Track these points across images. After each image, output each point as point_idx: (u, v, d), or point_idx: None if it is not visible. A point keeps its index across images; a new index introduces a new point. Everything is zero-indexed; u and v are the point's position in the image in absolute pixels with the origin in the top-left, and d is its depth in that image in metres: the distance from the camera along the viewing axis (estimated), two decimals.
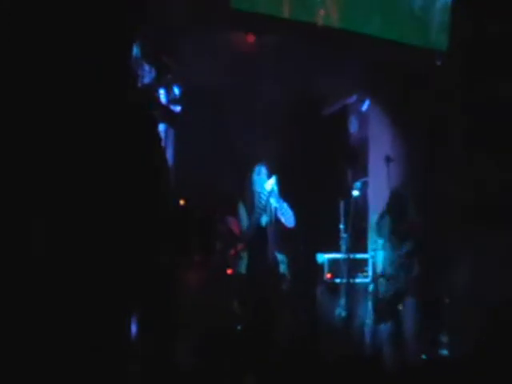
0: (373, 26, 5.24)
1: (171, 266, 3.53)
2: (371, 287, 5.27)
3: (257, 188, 5.12)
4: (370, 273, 5.64)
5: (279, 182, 5.04)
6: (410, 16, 5.40)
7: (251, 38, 5.36)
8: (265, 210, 5.04)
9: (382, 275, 5.10)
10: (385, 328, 5.03)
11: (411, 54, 5.56)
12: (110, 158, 2.77)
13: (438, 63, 5.59)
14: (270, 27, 4.97)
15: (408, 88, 5.84)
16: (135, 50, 3.65)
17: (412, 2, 5.40)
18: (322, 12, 4.95)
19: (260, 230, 5.02)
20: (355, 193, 5.36)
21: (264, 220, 5.04)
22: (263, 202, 5.03)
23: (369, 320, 5.20)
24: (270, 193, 5.04)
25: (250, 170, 5.18)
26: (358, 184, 5.42)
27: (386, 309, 5.04)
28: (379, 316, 5.08)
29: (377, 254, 5.30)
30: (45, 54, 2.58)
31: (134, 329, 2.94)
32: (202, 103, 5.64)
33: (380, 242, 5.26)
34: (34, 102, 2.58)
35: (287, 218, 5.09)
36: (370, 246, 5.41)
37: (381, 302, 5.08)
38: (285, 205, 5.08)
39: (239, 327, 4.85)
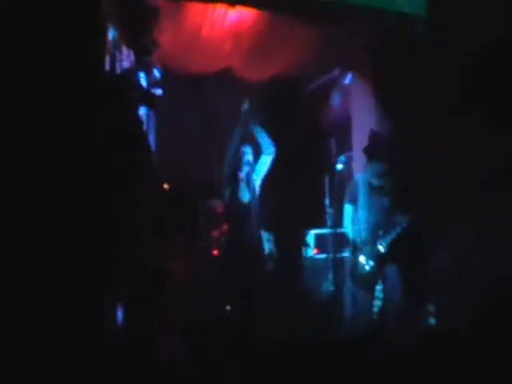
0: None
1: (157, 250, 3.55)
2: (351, 254, 5.25)
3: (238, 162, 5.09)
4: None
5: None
6: None
7: (232, 16, 5.29)
8: (247, 186, 5.01)
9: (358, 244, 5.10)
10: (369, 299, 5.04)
11: (392, 20, 5.49)
12: (90, 144, 2.77)
13: (418, 29, 5.54)
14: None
15: (390, 60, 5.82)
16: (112, 33, 3.61)
17: None
18: None
19: (243, 207, 4.98)
20: (339, 166, 5.33)
21: (246, 196, 5.00)
22: (244, 176, 5.01)
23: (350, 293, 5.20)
24: (252, 167, 5.03)
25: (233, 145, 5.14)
26: (342, 158, 5.39)
27: (367, 278, 5.05)
28: (359, 285, 5.08)
29: (350, 222, 5.24)
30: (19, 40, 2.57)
31: (121, 313, 2.96)
32: (183, 85, 5.61)
33: (350, 207, 5.23)
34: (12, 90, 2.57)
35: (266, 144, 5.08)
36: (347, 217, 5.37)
37: (362, 271, 5.10)
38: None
39: (228, 308, 4.86)
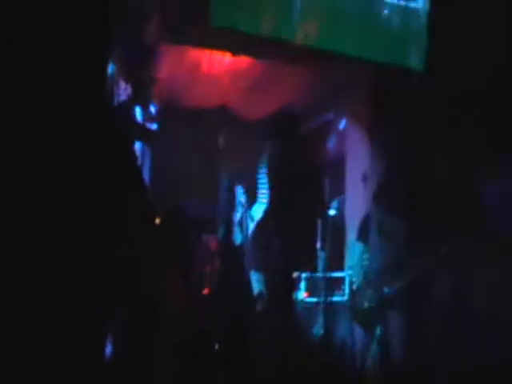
0: (351, 45, 5.26)
1: (148, 284, 3.49)
2: (349, 301, 5.21)
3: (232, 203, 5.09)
4: (347, 291, 5.62)
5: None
6: (387, 36, 5.44)
7: (230, 56, 5.35)
8: (240, 227, 5.01)
9: (363, 285, 5.07)
10: (366, 345, 4.99)
11: (388, 74, 5.60)
12: (86, 177, 2.74)
13: (415, 83, 5.63)
14: (249, 46, 4.95)
15: (385, 107, 5.88)
16: (111, 68, 3.62)
17: (389, 21, 5.44)
18: (300, 32, 4.97)
19: (235, 249, 4.98)
20: (332, 212, 5.35)
21: (238, 238, 5.00)
22: (238, 218, 5.01)
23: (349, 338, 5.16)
24: (246, 209, 5.02)
25: (228, 186, 5.15)
26: (335, 203, 5.42)
27: (368, 318, 5.00)
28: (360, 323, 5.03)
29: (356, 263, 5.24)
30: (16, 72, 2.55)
31: (109, 348, 2.89)
32: (178, 120, 5.63)
33: (360, 246, 5.20)
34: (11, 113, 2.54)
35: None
36: (348, 262, 5.37)
37: (361, 314, 5.03)
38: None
39: (216, 346, 4.81)
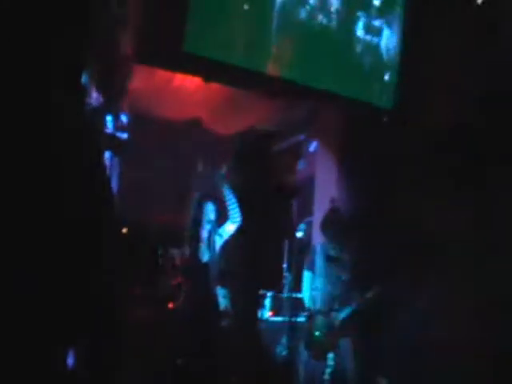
0: (322, 80, 5.33)
1: (112, 298, 3.42)
2: (306, 321, 5.23)
3: (200, 219, 5.04)
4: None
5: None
6: (359, 72, 5.53)
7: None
8: (208, 244, 4.97)
9: (318, 311, 5.11)
10: (321, 366, 5.01)
11: (359, 108, 5.69)
12: (51, 185, 2.68)
13: (385, 119, 5.73)
14: (220, 73, 4.96)
15: (355, 134, 5.96)
16: (83, 76, 3.58)
17: (362, 59, 5.52)
18: (272, 62, 5.01)
19: (201, 265, 4.94)
20: (299, 234, 5.39)
21: (205, 256, 4.97)
22: (206, 234, 4.98)
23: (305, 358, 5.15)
24: (214, 226, 4.98)
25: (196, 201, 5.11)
26: (302, 225, 5.45)
27: (320, 346, 5.03)
28: (313, 354, 5.06)
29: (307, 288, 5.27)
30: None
31: (71, 363, 2.81)
32: (149, 131, 5.61)
33: (309, 274, 5.24)
34: None
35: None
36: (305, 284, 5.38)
37: (314, 339, 5.06)
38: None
39: (179, 362, 4.75)
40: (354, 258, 5.27)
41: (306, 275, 5.27)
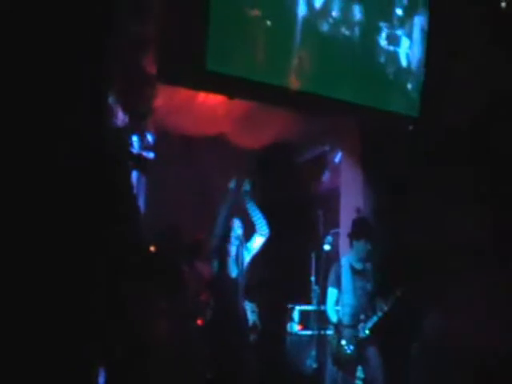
0: (345, 90, 5.31)
1: (140, 315, 3.45)
2: (332, 337, 5.22)
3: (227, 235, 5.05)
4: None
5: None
6: (382, 82, 5.51)
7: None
8: (236, 260, 4.98)
9: (342, 324, 5.11)
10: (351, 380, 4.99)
11: (383, 118, 5.66)
12: (82, 205, 2.72)
13: (410, 128, 5.70)
14: (243, 91, 4.98)
15: (380, 143, 5.93)
16: (109, 98, 3.63)
17: (384, 69, 5.50)
18: (294, 76, 5.01)
19: (230, 281, 4.95)
20: (326, 247, 5.37)
21: (234, 271, 4.98)
22: (234, 251, 4.99)
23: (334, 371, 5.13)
24: (242, 242, 4.99)
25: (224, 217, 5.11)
26: (329, 238, 5.42)
27: (349, 360, 5.02)
28: (342, 368, 5.05)
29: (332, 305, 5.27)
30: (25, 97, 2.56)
31: (102, 379, 2.85)
32: (174, 149, 5.65)
33: (334, 291, 5.24)
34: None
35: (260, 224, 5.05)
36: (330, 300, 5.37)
37: (343, 353, 5.03)
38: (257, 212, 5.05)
39: (209, 376, 4.76)
40: (378, 267, 5.25)
41: (331, 291, 5.26)
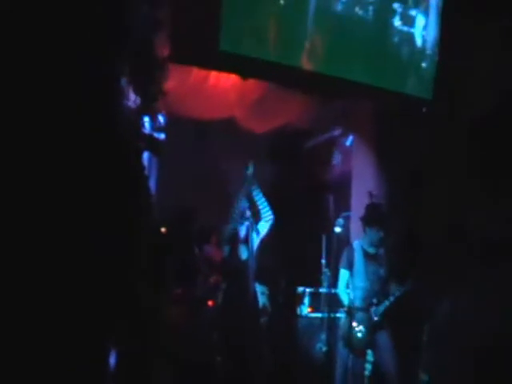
0: (358, 72, 5.26)
1: (152, 297, 3.46)
2: (344, 319, 5.22)
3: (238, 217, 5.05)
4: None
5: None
6: (396, 64, 5.45)
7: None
8: (246, 243, 4.98)
9: (354, 307, 5.10)
10: (362, 362, 5.00)
11: (397, 100, 5.61)
12: (92, 186, 2.71)
13: (424, 110, 5.64)
14: (257, 70, 4.95)
15: (393, 126, 5.89)
16: (121, 80, 3.61)
17: (398, 50, 5.44)
18: (307, 57, 4.97)
19: (240, 263, 4.95)
20: (337, 229, 5.34)
21: (244, 254, 4.98)
22: (244, 233, 4.99)
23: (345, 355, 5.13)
24: (252, 223, 4.98)
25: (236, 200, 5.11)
26: (340, 220, 5.39)
27: (360, 343, 5.02)
28: (353, 351, 5.04)
29: (344, 287, 5.26)
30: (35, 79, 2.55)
31: (112, 361, 2.86)
32: (186, 131, 5.63)
33: (346, 273, 5.23)
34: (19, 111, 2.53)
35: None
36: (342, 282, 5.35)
37: (354, 336, 5.04)
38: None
39: (219, 359, 4.79)
40: (391, 252, 5.24)
41: (343, 273, 5.25)
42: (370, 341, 5.01)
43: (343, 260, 5.27)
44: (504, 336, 4.58)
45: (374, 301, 5.05)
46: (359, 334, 5.02)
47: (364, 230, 5.32)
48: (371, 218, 5.26)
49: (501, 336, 4.60)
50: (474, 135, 5.31)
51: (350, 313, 5.12)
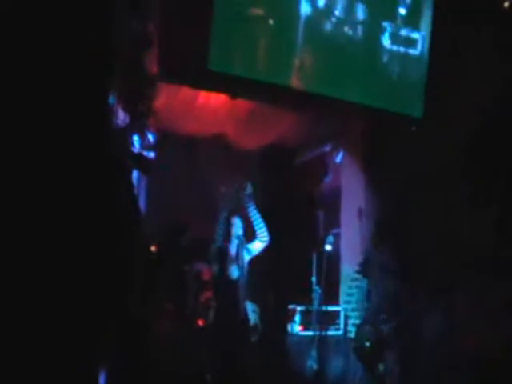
0: (348, 91, 5.29)
1: (142, 315, 3.44)
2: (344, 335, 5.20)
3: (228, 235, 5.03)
4: (342, 325, 5.61)
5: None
6: (386, 83, 5.48)
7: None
8: (236, 260, 4.95)
9: (367, 321, 5.09)
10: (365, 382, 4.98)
11: (386, 118, 5.64)
12: (81, 205, 2.70)
13: (413, 129, 5.66)
14: (246, 90, 4.97)
15: (382, 143, 5.91)
16: (110, 98, 3.60)
17: (389, 69, 5.48)
18: (297, 76, 4.99)
19: (231, 282, 4.91)
20: (328, 247, 5.34)
21: (235, 273, 4.94)
22: (235, 251, 4.96)
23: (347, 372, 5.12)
24: (242, 242, 4.95)
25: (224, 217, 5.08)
26: (330, 238, 5.39)
27: (370, 356, 4.98)
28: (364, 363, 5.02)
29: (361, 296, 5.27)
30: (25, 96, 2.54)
31: (103, 379, 2.84)
32: (175, 150, 5.62)
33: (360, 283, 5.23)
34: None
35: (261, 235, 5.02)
36: (343, 296, 5.35)
37: (363, 350, 5.02)
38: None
39: (208, 377, 4.74)
40: (407, 266, 5.18)
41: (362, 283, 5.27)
42: (379, 355, 4.94)
43: (360, 268, 5.29)
44: (496, 346, 4.59)
45: (384, 316, 4.99)
46: (371, 347, 4.96)
47: (381, 242, 5.27)
48: (388, 230, 5.25)
49: (494, 346, 4.61)
50: (466, 147, 5.35)
51: (360, 325, 5.16)
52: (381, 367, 4.90)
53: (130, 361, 3.00)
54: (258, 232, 4.97)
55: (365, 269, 5.23)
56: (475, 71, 5.31)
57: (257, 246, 5.00)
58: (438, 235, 5.28)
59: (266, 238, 4.96)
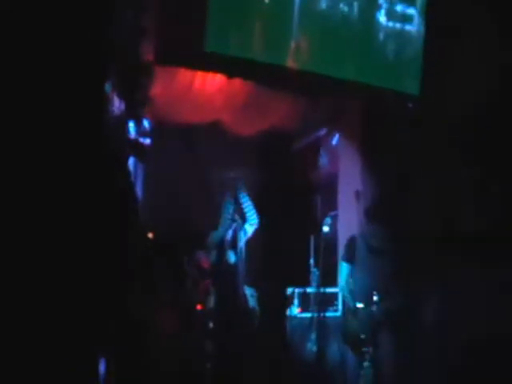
0: (345, 70, 5.28)
1: (140, 304, 3.47)
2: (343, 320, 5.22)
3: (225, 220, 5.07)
4: (340, 306, 5.64)
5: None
6: (382, 60, 5.46)
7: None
8: (233, 246, 5.00)
9: (357, 306, 5.07)
10: (356, 366, 4.99)
11: (383, 96, 5.63)
12: (77, 192, 2.73)
13: (410, 106, 5.66)
14: (243, 70, 4.98)
15: (379, 125, 5.91)
16: (106, 85, 3.61)
17: (385, 47, 5.46)
18: (294, 55, 5.00)
19: (229, 267, 4.96)
20: (325, 229, 5.36)
21: (232, 258, 4.99)
22: (231, 235, 5.00)
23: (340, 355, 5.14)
24: (239, 225, 5.00)
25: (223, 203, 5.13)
26: (327, 220, 5.42)
27: (359, 341, 4.99)
28: (352, 348, 5.03)
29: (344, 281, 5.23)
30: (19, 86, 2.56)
31: (102, 369, 2.87)
32: (172, 136, 5.64)
33: (346, 266, 5.21)
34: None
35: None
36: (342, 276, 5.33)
37: (353, 333, 5.03)
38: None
39: (208, 365, 4.78)
40: (399, 248, 5.17)
41: (343, 267, 5.23)
42: (369, 338, 4.93)
43: (344, 253, 5.26)
44: (494, 334, 4.62)
45: (375, 298, 4.94)
46: (358, 331, 4.94)
47: (367, 222, 5.27)
48: (375, 209, 5.24)
49: (490, 333, 4.64)
50: (463, 128, 5.35)
51: (349, 309, 5.09)
52: (369, 352, 4.90)
53: (129, 349, 3.03)
54: (247, 215, 5.05)
55: (348, 254, 5.22)
56: (473, 47, 5.30)
57: (247, 230, 5.08)
58: (431, 218, 5.30)
59: (255, 221, 5.05)
